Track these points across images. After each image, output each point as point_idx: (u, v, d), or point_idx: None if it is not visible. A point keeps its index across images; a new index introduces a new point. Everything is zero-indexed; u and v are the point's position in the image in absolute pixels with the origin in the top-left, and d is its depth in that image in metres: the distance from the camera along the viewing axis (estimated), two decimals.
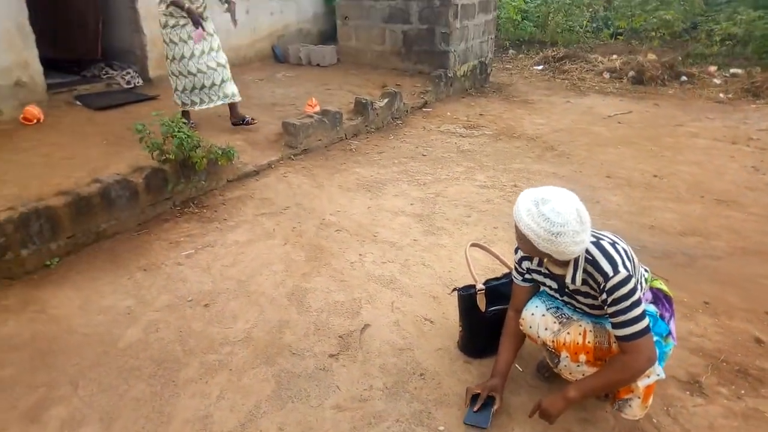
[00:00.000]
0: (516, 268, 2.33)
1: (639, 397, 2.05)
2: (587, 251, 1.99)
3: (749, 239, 3.75)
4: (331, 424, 2.28)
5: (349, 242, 3.71)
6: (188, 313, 3.00)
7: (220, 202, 4.26)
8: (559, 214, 1.87)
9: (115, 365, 2.62)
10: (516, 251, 2.29)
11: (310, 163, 5.02)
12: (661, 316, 2.18)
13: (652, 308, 2.17)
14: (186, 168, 4.10)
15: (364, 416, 2.31)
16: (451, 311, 2.89)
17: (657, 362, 1.99)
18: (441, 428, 2.25)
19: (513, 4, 11.41)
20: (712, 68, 8.99)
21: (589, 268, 1.98)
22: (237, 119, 5.29)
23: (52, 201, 3.52)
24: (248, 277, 3.31)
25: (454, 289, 2.64)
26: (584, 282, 2.02)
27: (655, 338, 2.01)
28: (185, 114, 5.07)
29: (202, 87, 4.92)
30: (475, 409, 2.23)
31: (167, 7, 4.65)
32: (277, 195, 4.38)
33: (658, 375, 2.02)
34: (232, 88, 5.06)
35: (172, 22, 4.71)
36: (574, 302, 2.16)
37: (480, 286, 2.55)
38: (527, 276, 2.31)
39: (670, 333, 2.16)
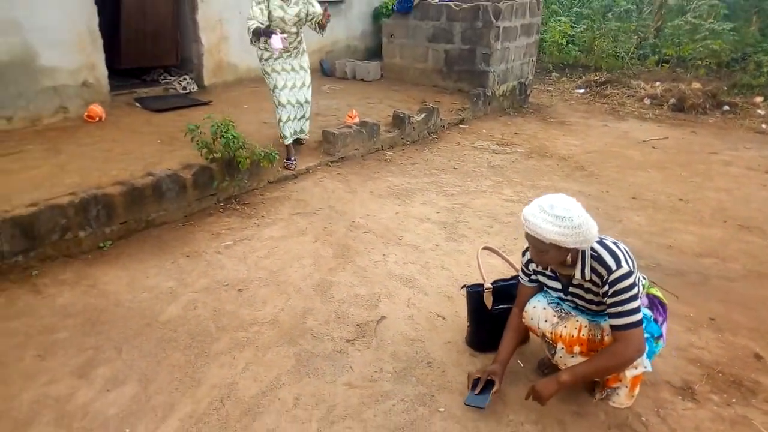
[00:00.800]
0: (523, 270, 2.54)
1: (626, 386, 2.22)
2: (592, 249, 2.19)
3: (767, 264, 3.82)
4: (342, 398, 2.51)
5: (374, 243, 3.96)
6: (223, 295, 3.29)
7: (260, 201, 4.58)
8: (569, 210, 2.08)
9: (155, 336, 2.92)
10: (524, 254, 2.49)
11: (345, 170, 5.31)
12: (655, 320, 2.35)
13: (647, 312, 2.34)
14: (231, 167, 4.44)
15: (372, 394, 2.54)
16: (463, 310, 3.06)
17: (645, 356, 2.16)
18: (441, 410, 2.45)
19: (558, 28, 11.57)
20: (758, 99, 8.93)
21: (594, 264, 2.18)
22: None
23: (109, 190, 3.89)
24: (279, 269, 3.60)
25: (464, 287, 2.86)
26: (590, 278, 2.21)
27: (646, 335, 2.19)
28: (289, 147, 5.20)
29: (294, 118, 5.11)
30: (477, 391, 2.43)
31: (257, 41, 4.72)
32: (312, 197, 4.67)
33: (645, 367, 2.19)
34: (308, 126, 5.34)
35: (266, 55, 4.86)
36: (576, 300, 2.35)
37: (488, 285, 2.76)
38: (533, 277, 2.51)
39: (661, 335, 2.33)
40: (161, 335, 2.93)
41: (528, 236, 2.22)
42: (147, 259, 3.69)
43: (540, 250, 2.19)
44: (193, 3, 6.78)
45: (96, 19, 5.77)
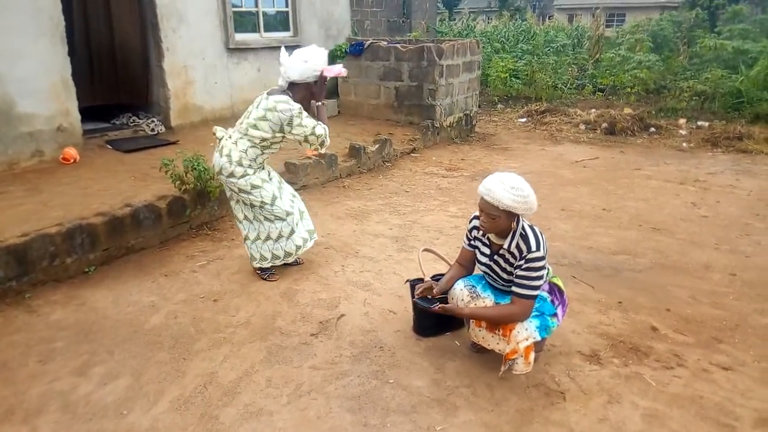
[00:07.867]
0: (467, 235, 3.10)
1: (522, 356, 2.76)
2: (523, 228, 2.76)
3: (669, 258, 4.46)
4: (307, 377, 2.99)
5: (334, 257, 4.46)
6: (200, 306, 3.74)
7: (230, 227, 5.05)
8: (520, 183, 2.68)
9: (142, 340, 3.35)
10: (470, 222, 3.06)
11: (307, 197, 5.78)
12: (552, 302, 2.93)
13: (545, 294, 2.92)
14: (202, 197, 4.91)
15: (333, 373, 3.02)
16: (411, 306, 3.60)
17: (535, 329, 2.74)
18: (390, 381, 2.95)
19: (501, 64, 12.48)
20: (682, 121, 9.84)
21: (520, 240, 2.75)
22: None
23: (92, 220, 4.31)
24: (250, 282, 4.06)
25: (407, 281, 3.39)
26: (513, 250, 2.77)
27: (539, 313, 2.81)
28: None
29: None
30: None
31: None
32: None
33: (535, 338, 2.76)
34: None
35: (255, 165, 3.91)
36: (494, 266, 2.91)
37: (427, 279, 3.29)
38: (473, 243, 3.06)
39: (555, 314, 2.90)
40: (148, 339, 3.36)
41: (484, 204, 2.70)
42: (129, 280, 4.11)
43: (492, 216, 2.69)
44: (159, 51, 7.29)
45: (69, 69, 6.20)
